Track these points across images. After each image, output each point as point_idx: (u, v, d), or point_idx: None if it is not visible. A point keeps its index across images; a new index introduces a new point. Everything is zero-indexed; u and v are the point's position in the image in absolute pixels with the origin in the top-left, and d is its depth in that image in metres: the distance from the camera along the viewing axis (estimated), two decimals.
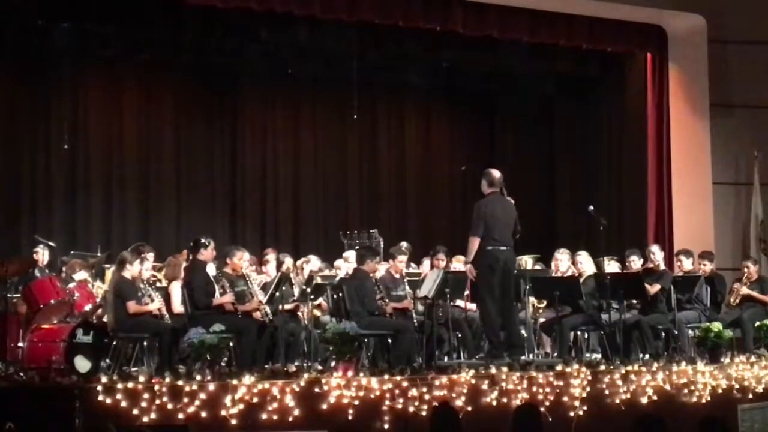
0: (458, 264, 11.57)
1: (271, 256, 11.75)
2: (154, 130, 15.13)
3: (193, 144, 15.33)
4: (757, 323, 11.23)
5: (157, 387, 7.91)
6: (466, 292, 10.97)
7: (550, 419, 8.65)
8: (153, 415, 7.80)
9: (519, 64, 14.63)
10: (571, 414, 9.08)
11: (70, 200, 14.44)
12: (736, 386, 10.12)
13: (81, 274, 10.57)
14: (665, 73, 14.31)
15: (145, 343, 9.77)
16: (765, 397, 10.31)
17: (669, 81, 14.28)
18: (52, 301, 9.61)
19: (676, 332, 10.86)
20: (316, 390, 8.33)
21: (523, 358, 9.81)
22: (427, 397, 8.58)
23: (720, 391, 9.96)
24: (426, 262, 11.84)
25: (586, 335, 11.07)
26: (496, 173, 10.25)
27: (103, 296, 10.22)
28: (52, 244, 12.03)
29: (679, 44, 14.23)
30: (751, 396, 10.19)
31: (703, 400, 9.79)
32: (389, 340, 10.03)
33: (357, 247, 12.20)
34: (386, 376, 8.64)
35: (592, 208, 11.38)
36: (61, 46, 13.34)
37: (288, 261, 11.65)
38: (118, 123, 14.90)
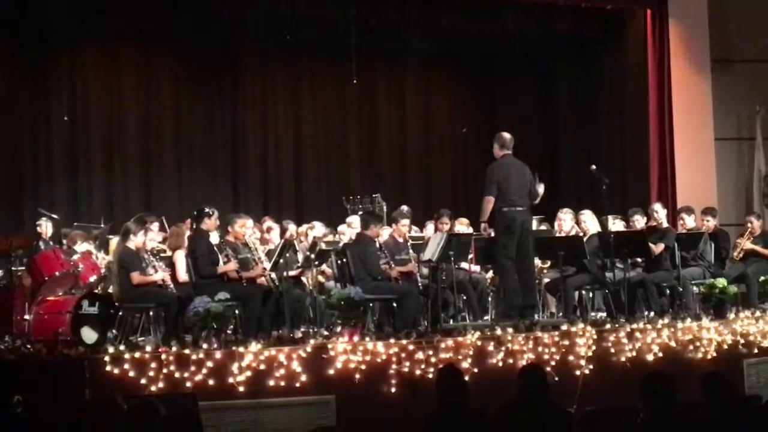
0: (462, 227, 11.56)
1: (270, 224, 11.71)
2: (154, 101, 15.08)
3: (194, 113, 15.27)
4: (762, 278, 11.29)
5: (164, 356, 7.96)
6: (471, 255, 10.96)
7: (557, 379, 8.67)
8: (160, 384, 7.85)
9: (518, 25, 14.53)
10: (577, 373, 9.11)
11: (73, 173, 14.43)
12: (742, 341, 10.15)
13: (82, 246, 10.55)
14: (665, 29, 14.20)
15: (151, 313, 9.80)
16: None
17: (669, 37, 14.17)
18: (57, 273, 9.57)
19: (681, 289, 10.88)
20: (323, 356, 8.37)
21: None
22: (433, 359, 8.62)
23: (725, 346, 9.99)
24: (430, 226, 11.83)
25: (590, 294, 11.08)
26: (507, 135, 10.27)
27: (107, 267, 10.22)
28: (55, 216, 12.02)
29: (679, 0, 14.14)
30: (756, 351, 10.21)
31: (709, 356, 9.82)
32: (394, 305, 10.03)
33: (360, 212, 12.16)
34: (392, 340, 8.69)
35: (594, 167, 11.33)
36: (59, 18, 13.28)
37: (291, 227, 11.64)
38: (118, 94, 14.86)
